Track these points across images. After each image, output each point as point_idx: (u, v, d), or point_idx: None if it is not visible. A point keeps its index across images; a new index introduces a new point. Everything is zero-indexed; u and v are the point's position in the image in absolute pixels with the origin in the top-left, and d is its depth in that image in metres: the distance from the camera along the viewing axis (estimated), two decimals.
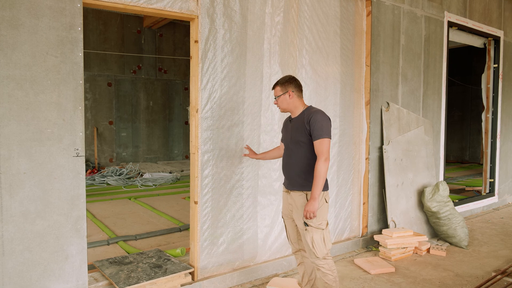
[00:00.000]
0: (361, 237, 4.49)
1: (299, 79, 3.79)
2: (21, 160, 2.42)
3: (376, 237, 4.26)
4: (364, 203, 4.51)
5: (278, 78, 3.63)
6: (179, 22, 11.11)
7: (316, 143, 2.61)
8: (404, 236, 4.22)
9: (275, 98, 2.82)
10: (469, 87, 12.13)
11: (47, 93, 2.49)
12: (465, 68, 12.03)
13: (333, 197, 4.22)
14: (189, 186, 7.91)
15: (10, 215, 2.40)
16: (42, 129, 2.48)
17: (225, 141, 3.35)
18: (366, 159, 4.49)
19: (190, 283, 3.18)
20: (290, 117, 2.88)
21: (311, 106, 2.83)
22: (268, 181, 3.63)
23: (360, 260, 3.97)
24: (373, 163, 4.53)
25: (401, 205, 4.62)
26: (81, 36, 2.60)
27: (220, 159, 3.32)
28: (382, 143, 4.59)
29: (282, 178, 3.76)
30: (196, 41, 3.18)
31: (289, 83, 2.77)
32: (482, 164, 11.35)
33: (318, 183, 2.57)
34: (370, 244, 4.51)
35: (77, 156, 2.61)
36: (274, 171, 3.67)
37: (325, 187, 2.75)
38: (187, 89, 11.75)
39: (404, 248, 4.19)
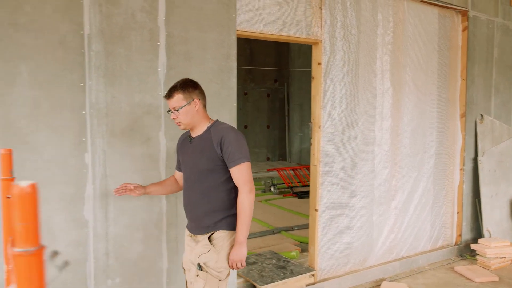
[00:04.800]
0: (455, 245, 4.64)
1: (402, 95, 4.04)
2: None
3: (473, 246, 4.39)
4: (458, 212, 4.65)
5: (390, 94, 3.88)
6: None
7: (235, 170, 2.00)
8: (502, 246, 4.32)
9: (170, 111, 2.09)
10: None
11: (211, 115, 2.85)
12: None
13: (429, 206, 4.40)
14: (263, 190, 8.27)
15: (184, 221, 2.80)
16: None
17: (344, 154, 3.64)
18: (460, 169, 4.62)
19: (313, 284, 3.49)
20: (189, 135, 2.19)
21: (217, 120, 2.20)
22: (380, 191, 3.88)
23: (460, 268, 4.12)
24: (467, 174, 4.65)
25: (495, 215, 4.71)
26: (235, 64, 2.97)
27: (338, 171, 3.61)
28: (475, 155, 4.70)
29: (392, 188, 4.00)
30: (319, 63, 3.48)
31: (194, 88, 2.12)
32: None
33: (244, 222, 1.99)
34: (464, 252, 4.64)
35: None
36: (386, 181, 3.92)
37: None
38: (246, 94, 12.27)
39: (502, 257, 4.29)
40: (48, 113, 2.34)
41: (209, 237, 2.07)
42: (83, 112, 2.43)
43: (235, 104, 2.98)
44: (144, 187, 2.29)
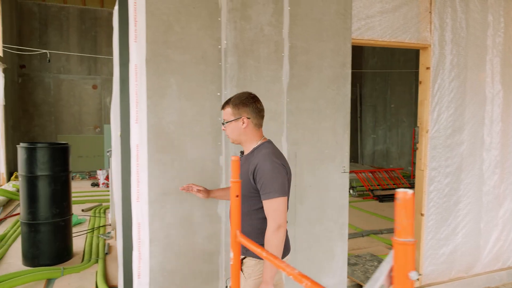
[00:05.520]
0: None
1: None
2: (308, 176, 2.98)
3: None
4: None
5: (500, 97, 3.75)
6: None
7: (265, 204, 1.88)
8: None
9: (223, 123, 2.05)
10: None
11: (327, 120, 3.01)
12: None
13: None
14: None
15: (300, 220, 2.98)
16: (322, 150, 3.02)
17: (451, 159, 3.59)
18: None
19: None
20: (242, 151, 2.15)
21: (265, 142, 2.01)
22: (489, 198, 3.78)
23: None
24: None
25: None
26: (350, 71, 3.08)
27: (445, 176, 3.58)
28: None
29: (500, 195, 3.87)
30: (427, 68, 3.48)
31: (245, 105, 1.97)
32: None
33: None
34: None
35: (344, 172, 3.10)
36: (495, 187, 3.80)
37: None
38: None
39: None
40: (192, 121, 2.62)
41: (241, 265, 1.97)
42: (219, 118, 2.69)
43: (349, 110, 3.09)
44: (209, 191, 2.39)
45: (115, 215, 2.67)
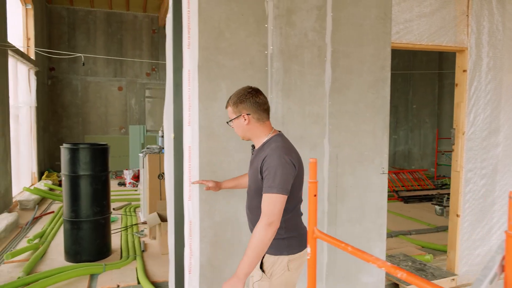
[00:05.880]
0: None
1: None
2: (348, 177, 3.07)
3: None
4: None
5: None
6: None
7: (263, 197, 1.80)
8: None
9: (227, 122, 2.05)
10: None
11: (367, 123, 3.09)
12: None
13: None
14: None
15: (341, 220, 3.07)
16: (362, 152, 3.10)
17: (486, 161, 3.63)
18: None
19: None
20: (253, 144, 2.09)
21: (277, 135, 1.96)
22: None
23: None
24: None
25: None
26: (389, 74, 3.16)
27: (480, 177, 3.61)
28: None
29: None
30: (464, 71, 3.52)
31: (242, 102, 1.93)
32: None
33: (249, 255, 1.75)
34: None
35: (383, 173, 3.18)
36: None
37: (293, 247, 1.91)
38: None
39: None
40: None
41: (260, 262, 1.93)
42: None
43: (388, 112, 3.16)
44: (219, 184, 2.45)
45: (167, 213, 2.80)
